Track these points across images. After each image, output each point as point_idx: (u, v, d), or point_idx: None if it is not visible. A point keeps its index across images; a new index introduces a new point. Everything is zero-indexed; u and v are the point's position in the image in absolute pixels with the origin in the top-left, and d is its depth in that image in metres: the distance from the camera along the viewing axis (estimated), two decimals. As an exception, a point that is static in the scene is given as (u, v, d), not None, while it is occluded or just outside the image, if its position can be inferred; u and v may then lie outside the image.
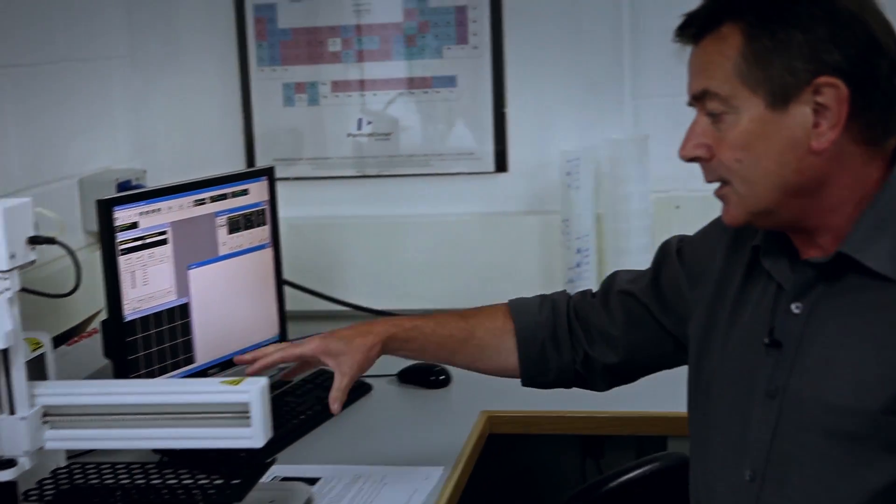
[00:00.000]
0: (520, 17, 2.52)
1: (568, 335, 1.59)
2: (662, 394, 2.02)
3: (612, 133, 2.47)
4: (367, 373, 2.11)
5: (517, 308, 1.63)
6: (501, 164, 2.56)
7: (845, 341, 1.23)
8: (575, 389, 1.89)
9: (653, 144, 2.56)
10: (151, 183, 2.35)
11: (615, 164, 2.38)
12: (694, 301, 1.46)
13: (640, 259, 2.39)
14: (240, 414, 1.43)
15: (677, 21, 2.52)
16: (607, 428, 2.03)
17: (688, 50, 1.31)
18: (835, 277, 1.25)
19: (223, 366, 2.00)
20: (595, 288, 2.39)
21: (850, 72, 1.18)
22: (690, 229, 2.54)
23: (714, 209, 2.50)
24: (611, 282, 1.62)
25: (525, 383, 1.64)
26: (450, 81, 2.56)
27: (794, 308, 1.28)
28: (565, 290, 1.68)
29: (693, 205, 2.58)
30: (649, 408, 1.95)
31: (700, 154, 1.29)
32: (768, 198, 1.25)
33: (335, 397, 1.53)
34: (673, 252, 1.55)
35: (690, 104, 1.31)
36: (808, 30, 1.19)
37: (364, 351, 1.55)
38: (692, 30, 1.28)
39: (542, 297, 1.65)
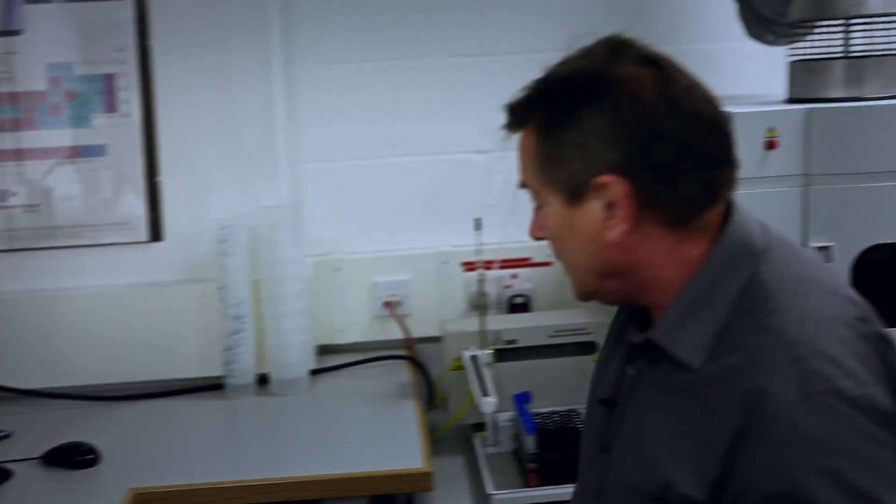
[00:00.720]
0: (171, 86, 2.50)
1: None
2: (321, 455, 2.06)
3: (270, 199, 2.50)
4: (7, 457, 2.04)
5: None
6: (156, 234, 2.51)
7: (648, 419, 1.23)
8: (229, 457, 1.94)
9: (311, 209, 2.61)
10: None
11: (270, 230, 2.40)
12: None
13: (299, 323, 2.43)
14: None
15: (330, 88, 2.65)
16: (266, 495, 2.02)
17: None
18: (655, 354, 1.25)
19: None
20: (255, 354, 2.43)
21: (629, 166, 1.17)
22: (350, 291, 2.65)
23: (375, 271, 2.62)
24: None
25: None
26: (100, 150, 2.49)
27: (630, 370, 1.30)
28: None
29: (353, 267, 2.66)
30: (305, 472, 1.96)
31: (541, 236, 1.31)
32: (588, 281, 1.28)
33: None
34: None
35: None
36: (583, 130, 1.19)
37: None
38: (509, 123, 1.29)
39: None
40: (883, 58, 2.05)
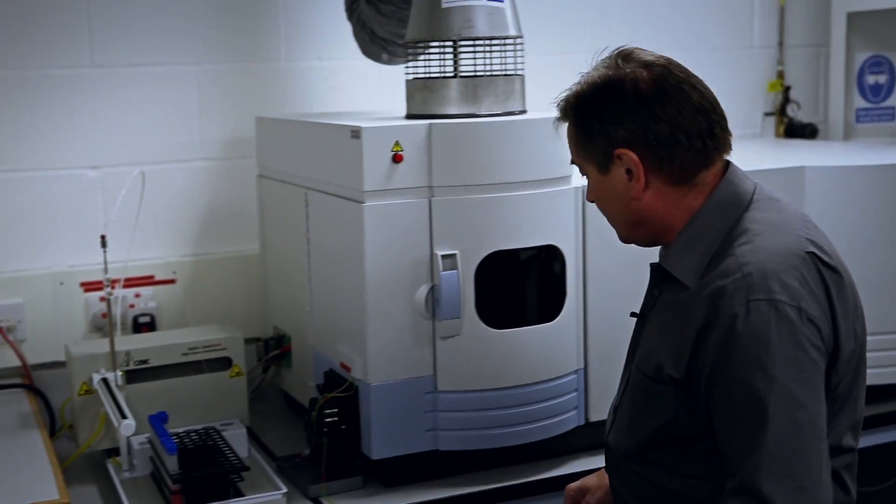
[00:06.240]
0: None
1: None
2: None
3: None
4: None
5: None
6: None
7: (657, 323, 1.64)
8: None
9: None
10: None
11: None
12: None
13: None
14: None
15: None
16: None
17: None
18: (665, 276, 1.65)
19: None
20: None
21: (636, 142, 1.59)
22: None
23: None
24: None
25: None
26: None
27: (655, 291, 1.70)
28: None
29: None
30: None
31: (591, 199, 1.72)
32: (622, 229, 1.70)
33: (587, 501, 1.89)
34: None
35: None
36: (602, 118, 1.61)
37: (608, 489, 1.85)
38: (558, 118, 1.69)
39: None
40: (493, 77, 2.21)
